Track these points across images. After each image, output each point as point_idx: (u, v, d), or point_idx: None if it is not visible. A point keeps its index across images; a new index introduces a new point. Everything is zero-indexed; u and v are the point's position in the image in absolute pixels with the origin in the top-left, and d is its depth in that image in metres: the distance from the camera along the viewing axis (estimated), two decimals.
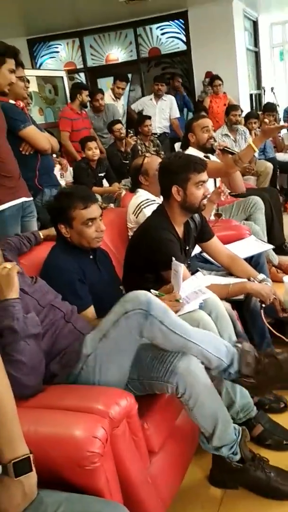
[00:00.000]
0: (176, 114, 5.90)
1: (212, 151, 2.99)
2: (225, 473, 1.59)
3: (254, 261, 2.42)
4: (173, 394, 1.45)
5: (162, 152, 4.52)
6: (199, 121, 2.98)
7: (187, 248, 2.13)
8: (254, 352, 1.55)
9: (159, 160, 2.40)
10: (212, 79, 5.99)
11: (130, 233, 2.53)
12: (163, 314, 1.41)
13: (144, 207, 2.46)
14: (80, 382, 1.43)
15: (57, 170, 3.73)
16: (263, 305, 2.01)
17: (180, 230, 2.06)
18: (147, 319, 1.39)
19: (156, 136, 5.52)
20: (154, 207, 2.24)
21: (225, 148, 2.90)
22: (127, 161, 4.46)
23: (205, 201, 2.00)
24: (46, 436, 1.16)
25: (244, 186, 3.23)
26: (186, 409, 1.48)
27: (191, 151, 2.90)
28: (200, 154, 2.78)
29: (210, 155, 2.98)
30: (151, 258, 1.94)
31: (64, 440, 1.14)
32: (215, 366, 1.51)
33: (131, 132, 4.95)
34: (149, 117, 5.15)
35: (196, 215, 2.14)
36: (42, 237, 2.08)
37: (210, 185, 2.78)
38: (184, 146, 3.07)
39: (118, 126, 4.66)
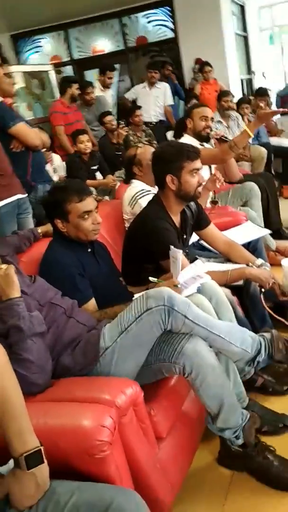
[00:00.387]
0: (170, 101, 5.87)
1: (207, 139, 2.98)
2: (228, 456, 1.61)
3: (252, 246, 2.43)
4: (180, 376, 1.47)
5: (155, 142, 4.50)
6: (199, 109, 2.97)
7: (184, 236, 2.14)
8: (284, 339, 1.58)
9: (152, 149, 2.39)
10: (202, 65, 5.96)
11: (127, 225, 2.54)
12: (186, 308, 1.45)
13: (139, 198, 2.47)
14: (94, 374, 1.45)
15: (50, 165, 3.73)
16: (263, 290, 2.03)
17: (176, 219, 2.07)
18: (171, 314, 1.42)
19: (152, 125, 5.51)
20: (149, 197, 2.24)
21: (222, 138, 2.89)
22: (120, 153, 4.44)
23: (200, 189, 2.01)
24: (55, 428, 1.18)
25: (239, 172, 3.23)
26: (193, 389, 1.50)
27: (186, 138, 2.90)
28: (195, 142, 2.78)
29: (205, 143, 2.98)
30: (149, 248, 1.95)
31: (73, 430, 1.16)
32: (239, 358, 1.54)
33: (123, 123, 4.91)
34: (139, 107, 5.13)
35: (192, 203, 2.15)
36: (40, 233, 2.09)
37: (205, 173, 2.79)
38: (178, 134, 3.06)
39: (109, 117, 4.64)
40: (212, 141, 3.02)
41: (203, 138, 2.94)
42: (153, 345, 1.47)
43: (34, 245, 2.02)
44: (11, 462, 1.00)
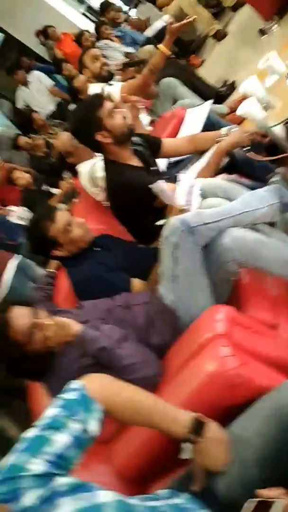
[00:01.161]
0: (49, 83, 5.67)
1: (111, 77, 2.87)
2: None
3: (210, 126, 2.36)
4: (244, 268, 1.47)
5: (61, 129, 4.41)
6: (86, 53, 2.87)
7: (153, 168, 2.10)
8: None
9: (65, 133, 2.35)
10: (43, 33, 5.71)
11: (107, 203, 2.52)
12: (200, 216, 1.44)
13: (95, 175, 2.43)
14: (183, 328, 1.46)
15: (14, 217, 3.72)
16: (246, 148, 1.98)
17: (134, 161, 2.03)
18: (194, 232, 1.41)
19: (53, 114, 5.39)
20: (99, 164, 2.20)
21: (125, 64, 2.74)
22: (52, 158, 4.38)
23: (128, 122, 1.95)
24: (192, 393, 1.20)
25: (154, 88, 3.11)
26: (260, 270, 1.49)
27: (92, 88, 2.80)
28: (102, 85, 2.69)
29: (112, 82, 2.86)
30: (135, 203, 1.93)
31: (206, 382, 1.18)
32: (272, 215, 1.52)
33: (30, 135, 4.82)
34: (35, 111, 5.02)
35: (134, 138, 2.10)
36: (53, 271, 2.12)
37: None
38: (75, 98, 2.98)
39: (22, 140, 4.53)
40: (117, 77, 2.87)
41: (106, 77, 2.83)
42: (204, 266, 1.47)
43: (58, 282, 2.05)
44: (185, 446, 1.03)
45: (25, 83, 5.55)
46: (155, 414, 1.00)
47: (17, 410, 2.00)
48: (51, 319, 1.41)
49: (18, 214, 3.90)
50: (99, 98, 1.91)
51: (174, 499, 1.00)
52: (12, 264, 2.50)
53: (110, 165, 2.02)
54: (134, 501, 0.92)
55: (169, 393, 1.27)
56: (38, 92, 5.57)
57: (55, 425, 0.89)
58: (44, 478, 0.82)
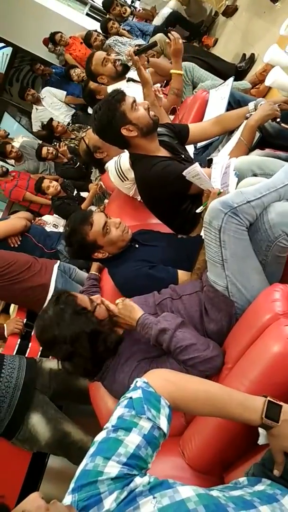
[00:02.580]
0: (63, 96, 5.69)
1: (127, 70, 2.82)
2: None
3: (234, 103, 2.29)
4: None
5: (87, 125, 4.41)
6: (94, 57, 2.78)
7: (183, 156, 2.05)
8: None
9: (91, 130, 2.34)
10: (51, 40, 5.73)
11: (139, 197, 2.50)
12: (242, 196, 1.38)
13: (122, 168, 2.41)
14: (240, 315, 1.42)
15: (48, 227, 3.78)
16: (278, 120, 1.90)
17: (163, 152, 1.99)
18: (237, 213, 1.37)
19: (72, 121, 5.41)
20: (125, 157, 2.17)
21: (137, 51, 2.67)
22: (78, 163, 4.41)
23: (152, 113, 1.91)
24: (259, 375, 1.16)
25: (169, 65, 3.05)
26: None
27: (110, 88, 2.78)
28: (122, 84, 2.66)
29: (131, 77, 2.83)
30: (168, 193, 1.89)
31: (273, 363, 1.14)
32: None
33: (55, 142, 4.87)
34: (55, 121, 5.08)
35: (160, 129, 2.06)
36: (97, 274, 2.13)
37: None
38: (91, 102, 2.96)
39: (44, 150, 4.58)
40: (131, 65, 2.79)
41: (122, 71, 2.77)
42: (252, 247, 1.42)
43: (103, 284, 2.04)
44: (262, 431, 1.00)
45: (37, 102, 5.58)
46: (226, 403, 0.97)
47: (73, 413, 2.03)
48: (120, 300, 1.51)
49: (52, 222, 3.97)
50: (120, 93, 1.88)
51: (255, 487, 0.97)
52: (56, 267, 2.55)
53: (139, 159, 1.99)
54: (215, 492, 0.89)
55: (235, 378, 1.23)
56: (52, 107, 5.60)
57: (125, 426, 0.87)
58: (122, 480, 0.81)
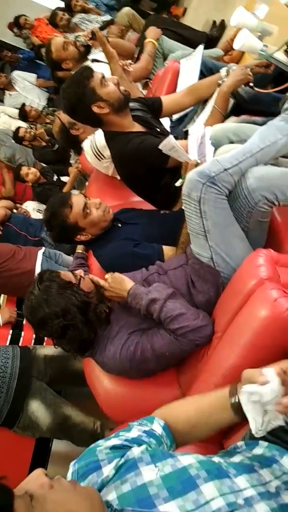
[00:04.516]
0: (33, 78, 5.56)
1: (88, 50, 2.72)
2: None
3: (206, 71, 2.25)
4: (275, 207, 1.40)
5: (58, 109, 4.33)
6: (52, 44, 2.68)
7: (158, 129, 2.02)
8: None
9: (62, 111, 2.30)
10: (15, 24, 5.56)
11: (118, 177, 2.46)
12: (218, 164, 1.37)
13: (98, 146, 2.37)
14: (226, 283, 1.42)
15: (33, 211, 3.74)
16: (251, 84, 1.87)
17: (137, 127, 1.95)
18: (215, 182, 1.35)
19: (46, 104, 5.32)
20: (100, 135, 2.14)
21: (93, 32, 2.60)
22: (56, 145, 4.34)
23: (122, 87, 1.87)
24: (249, 341, 1.17)
25: (130, 44, 3.00)
26: None
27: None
28: (87, 62, 2.60)
29: (93, 54, 2.76)
30: (146, 169, 1.87)
31: (264, 328, 1.14)
32: None
33: (32, 126, 4.76)
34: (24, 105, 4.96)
35: (132, 103, 2.02)
36: (84, 252, 2.15)
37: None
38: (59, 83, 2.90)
39: (22, 130, 4.46)
40: (90, 43, 2.71)
41: (85, 52, 2.68)
42: (233, 215, 1.42)
43: (90, 264, 2.05)
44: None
45: (9, 86, 5.43)
46: (209, 413, 0.95)
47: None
48: (108, 275, 1.51)
49: (34, 207, 3.93)
50: (88, 69, 1.83)
51: (253, 450, 0.98)
52: (40, 253, 2.53)
53: (113, 136, 1.96)
54: (216, 458, 0.90)
55: (226, 346, 1.24)
56: (26, 91, 5.47)
57: (126, 429, 0.92)
58: (120, 450, 0.83)
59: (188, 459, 0.83)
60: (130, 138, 1.86)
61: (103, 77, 1.81)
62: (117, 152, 1.96)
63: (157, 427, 0.93)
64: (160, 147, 1.66)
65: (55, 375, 1.98)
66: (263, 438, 1.00)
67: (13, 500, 0.68)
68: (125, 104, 1.85)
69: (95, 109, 1.81)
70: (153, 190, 1.98)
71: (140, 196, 2.06)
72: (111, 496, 0.76)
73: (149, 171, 1.88)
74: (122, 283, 1.48)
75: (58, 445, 2.09)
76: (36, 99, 5.47)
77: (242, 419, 0.87)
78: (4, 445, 1.98)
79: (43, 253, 2.56)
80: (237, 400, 0.87)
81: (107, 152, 2.22)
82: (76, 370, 1.96)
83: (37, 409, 1.84)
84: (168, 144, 1.61)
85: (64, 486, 0.72)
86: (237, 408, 0.86)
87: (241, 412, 0.85)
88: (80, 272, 1.56)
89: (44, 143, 4.47)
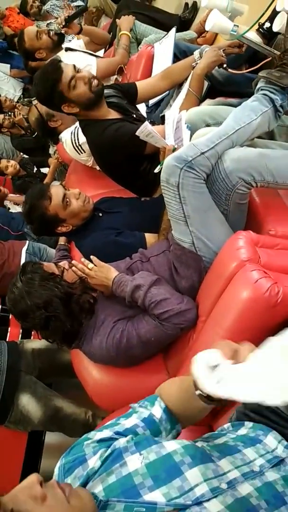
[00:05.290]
0: (6, 69, 5.44)
1: (62, 38, 2.68)
2: None
3: (180, 54, 2.22)
4: (253, 188, 1.40)
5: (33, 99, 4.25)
6: (25, 34, 2.65)
7: (134, 115, 2.00)
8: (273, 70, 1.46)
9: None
10: None
11: (97, 166, 2.44)
12: (194, 148, 1.36)
13: (79, 141, 2.34)
14: (208, 267, 1.43)
15: (13, 206, 3.69)
16: (224, 65, 1.86)
17: (113, 114, 1.93)
18: (192, 166, 1.34)
19: (21, 94, 5.23)
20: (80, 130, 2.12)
21: (68, 18, 2.53)
22: (35, 133, 4.26)
23: (95, 83, 1.81)
24: (233, 323, 1.18)
25: (103, 32, 2.95)
26: (272, 186, 1.41)
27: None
28: (62, 54, 2.54)
29: (67, 43, 2.71)
30: (123, 156, 1.86)
31: (246, 308, 1.15)
32: (266, 124, 1.43)
33: (9, 114, 4.67)
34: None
35: (106, 90, 1.99)
36: (66, 244, 2.12)
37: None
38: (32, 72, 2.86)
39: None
40: (63, 31, 2.67)
41: (58, 41, 2.64)
42: (212, 199, 1.41)
43: (74, 254, 2.04)
44: None
45: None
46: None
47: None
48: (91, 265, 1.51)
49: (13, 201, 3.87)
50: (56, 71, 1.78)
51: (238, 431, 0.99)
52: (24, 251, 2.50)
53: (88, 126, 1.93)
54: (199, 443, 0.91)
55: (210, 329, 1.25)
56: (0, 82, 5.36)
57: (125, 415, 0.91)
58: (106, 441, 0.83)
59: (172, 445, 0.83)
60: (106, 126, 1.84)
61: (73, 77, 1.77)
62: (94, 140, 1.94)
63: (157, 410, 0.92)
64: (137, 133, 1.64)
65: (44, 368, 1.97)
66: (249, 418, 1.02)
67: None
68: (96, 100, 1.83)
69: (65, 109, 1.81)
70: (132, 177, 1.97)
71: (119, 183, 2.05)
72: (98, 488, 0.76)
73: (127, 158, 1.87)
74: (108, 272, 1.49)
75: (51, 437, 2.09)
76: (12, 89, 5.36)
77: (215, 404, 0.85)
78: None
79: (27, 250, 2.53)
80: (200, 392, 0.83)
81: (87, 146, 2.20)
82: (64, 362, 1.95)
83: (28, 403, 1.84)
84: (145, 130, 1.60)
85: (57, 498, 0.69)
86: (205, 398, 0.83)
87: (210, 400, 0.82)
88: (64, 263, 1.56)
89: (23, 131, 4.39)
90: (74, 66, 1.80)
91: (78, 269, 1.53)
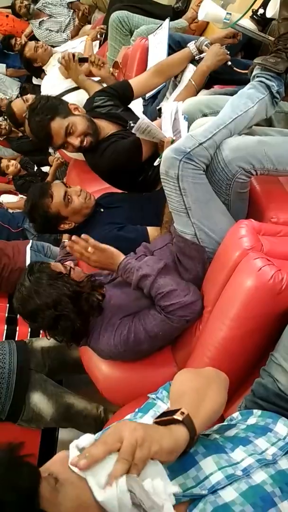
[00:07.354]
0: (2, 69, 5.44)
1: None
2: None
3: (174, 45, 2.21)
4: (253, 176, 1.39)
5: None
6: (26, 48, 2.84)
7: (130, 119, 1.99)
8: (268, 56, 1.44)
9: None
10: None
11: None
12: (192, 139, 1.35)
13: None
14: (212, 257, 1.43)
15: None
16: (229, 63, 1.85)
17: (110, 127, 1.95)
18: (191, 157, 1.34)
19: (21, 91, 5.24)
20: None
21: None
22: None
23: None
24: (238, 312, 1.18)
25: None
26: (271, 173, 1.40)
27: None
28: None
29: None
30: (125, 174, 1.90)
31: (250, 297, 1.15)
32: (264, 109, 1.42)
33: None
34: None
35: (97, 98, 2.01)
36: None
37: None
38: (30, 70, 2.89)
39: None
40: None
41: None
42: (213, 189, 1.41)
43: None
44: None
45: None
46: None
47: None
48: (91, 250, 1.46)
49: (13, 200, 3.88)
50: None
51: (248, 420, 0.99)
52: (28, 248, 2.52)
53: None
54: (212, 436, 0.91)
55: (216, 319, 1.25)
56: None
57: (143, 410, 0.94)
58: None
59: None
60: (102, 151, 1.87)
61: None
62: (93, 166, 2.00)
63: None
64: (133, 131, 1.64)
65: (53, 365, 1.99)
66: (258, 406, 1.02)
67: (40, 482, 0.67)
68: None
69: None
70: (133, 184, 1.98)
71: (122, 190, 2.05)
72: None
73: (127, 174, 1.89)
74: (112, 256, 1.47)
75: (65, 434, 2.11)
76: (9, 89, 5.36)
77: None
78: (11, 439, 1.99)
79: (31, 247, 2.55)
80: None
81: None
82: (74, 358, 1.97)
83: (39, 401, 1.85)
84: (142, 125, 1.60)
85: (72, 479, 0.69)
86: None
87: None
88: (69, 263, 1.55)
89: (20, 134, 4.39)
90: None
91: (75, 250, 1.49)
